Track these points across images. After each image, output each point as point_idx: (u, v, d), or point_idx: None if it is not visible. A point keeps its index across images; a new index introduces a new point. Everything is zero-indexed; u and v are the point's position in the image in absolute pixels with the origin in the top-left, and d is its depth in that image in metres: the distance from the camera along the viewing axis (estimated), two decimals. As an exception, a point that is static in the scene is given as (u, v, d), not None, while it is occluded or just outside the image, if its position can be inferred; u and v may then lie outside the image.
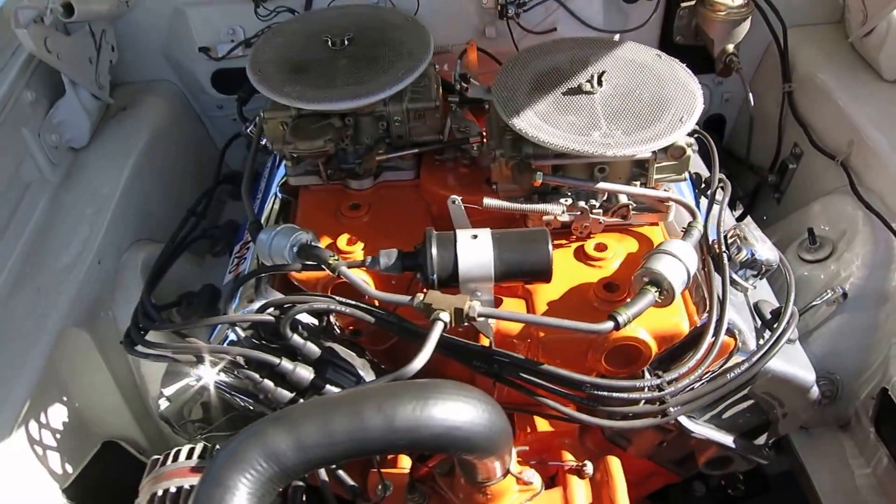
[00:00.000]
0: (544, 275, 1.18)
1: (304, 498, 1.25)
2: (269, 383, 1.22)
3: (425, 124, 1.48)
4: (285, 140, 1.42)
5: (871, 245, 1.63)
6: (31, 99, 1.79)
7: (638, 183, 1.32)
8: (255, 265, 1.49)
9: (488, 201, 1.27)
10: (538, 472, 1.27)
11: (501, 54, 1.96)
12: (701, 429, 1.34)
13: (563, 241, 1.34)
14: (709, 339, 1.18)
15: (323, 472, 1.28)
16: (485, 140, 1.46)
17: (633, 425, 1.18)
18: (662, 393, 1.17)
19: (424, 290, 1.14)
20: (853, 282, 1.63)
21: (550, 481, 1.36)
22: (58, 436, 1.47)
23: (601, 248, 1.32)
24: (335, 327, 1.40)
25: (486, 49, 1.78)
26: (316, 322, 1.35)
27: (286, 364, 1.21)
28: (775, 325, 1.27)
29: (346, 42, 1.48)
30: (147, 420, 1.71)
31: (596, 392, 1.15)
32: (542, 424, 1.41)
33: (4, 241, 1.63)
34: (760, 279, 1.37)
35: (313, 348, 1.24)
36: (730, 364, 1.24)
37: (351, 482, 1.32)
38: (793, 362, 1.32)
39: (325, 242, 1.36)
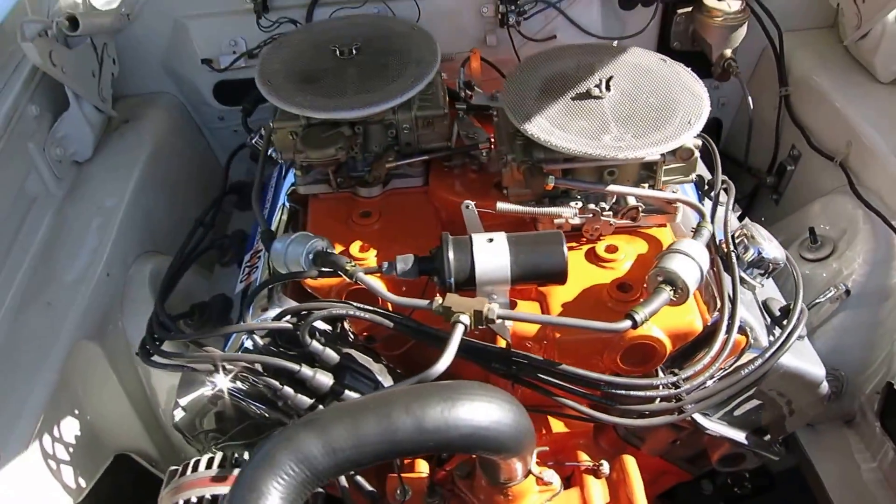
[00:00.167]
0: (560, 276, 1.19)
1: (324, 505, 1.25)
2: (289, 390, 1.22)
3: (434, 131, 1.49)
4: (296, 149, 1.43)
5: (872, 243, 1.66)
6: (36, 113, 1.79)
7: (646, 185, 1.34)
8: (266, 274, 1.50)
9: (501, 205, 1.28)
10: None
11: (501, 62, 1.99)
12: (715, 426, 1.36)
13: (574, 244, 1.36)
14: (722, 336, 1.20)
15: (342, 478, 1.28)
16: (493, 146, 1.48)
17: (651, 423, 1.19)
18: (679, 390, 1.18)
19: (440, 294, 1.16)
20: (855, 279, 1.67)
21: (566, 482, 1.37)
22: (70, 450, 1.46)
23: (612, 249, 1.34)
24: (349, 333, 1.42)
25: (486, 57, 1.80)
26: (330, 328, 1.36)
27: (306, 370, 1.22)
28: (786, 322, 1.29)
29: (354, 51, 1.50)
30: (158, 432, 1.70)
31: (614, 391, 1.16)
32: (557, 425, 1.43)
33: (12, 255, 1.63)
34: (767, 277, 1.40)
35: (332, 354, 1.24)
36: (743, 361, 1.26)
37: (370, 488, 1.33)
38: (803, 358, 1.34)
39: (337, 250, 1.36)
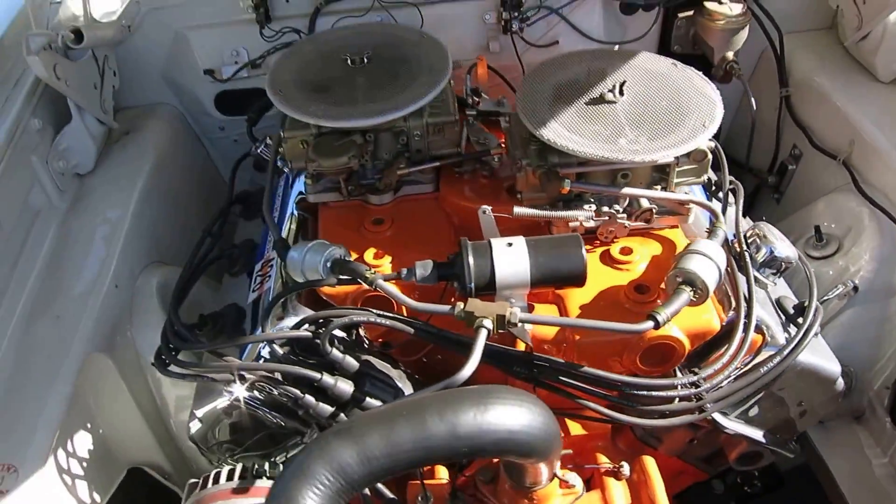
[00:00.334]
0: (579, 279, 1.20)
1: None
2: (311, 399, 1.22)
3: (444, 138, 1.50)
4: (308, 158, 1.43)
5: (878, 239, 1.69)
6: (38, 126, 1.78)
7: (658, 187, 1.36)
8: (280, 283, 1.49)
9: (518, 210, 1.29)
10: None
11: (504, 68, 2.00)
12: (733, 424, 1.37)
13: (588, 247, 1.37)
14: (740, 334, 1.21)
15: (364, 487, 1.28)
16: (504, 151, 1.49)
17: (672, 422, 1.20)
18: (699, 389, 1.19)
19: (456, 300, 1.16)
20: (863, 276, 1.69)
21: (585, 484, 1.37)
22: (85, 464, 1.45)
23: (626, 251, 1.35)
24: (364, 340, 1.41)
25: (489, 64, 1.81)
26: (344, 336, 1.36)
27: (328, 379, 1.21)
28: (801, 319, 1.31)
29: (365, 60, 1.50)
30: (169, 444, 1.69)
31: (636, 392, 1.17)
32: (575, 428, 1.43)
33: (19, 269, 1.61)
34: (779, 276, 1.41)
35: (352, 362, 1.24)
36: (760, 359, 1.27)
37: (391, 495, 1.33)
38: (819, 354, 1.36)
39: (351, 257, 1.36)
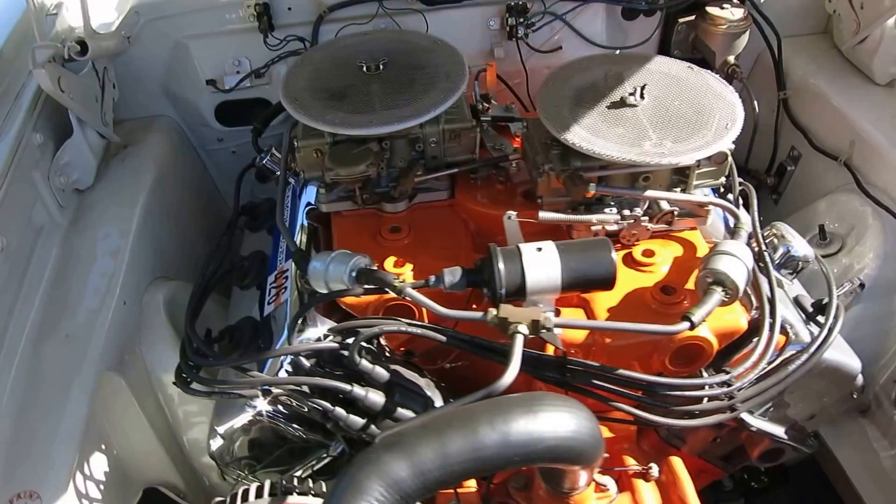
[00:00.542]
0: (608, 283, 1.20)
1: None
2: (341, 411, 1.20)
3: (460, 144, 1.50)
4: (325, 167, 1.42)
5: (882, 237, 1.72)
6: (40, 141, 1.73)
7: (678, 189, 1.37)
8: (295, 294, 1.48)
9: (543, 214, 1.29)
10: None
11: (508, 74, 2.01)
12: (758, 422, 1.39)
13: (610, 250, 1.38)
14: (766, 333, 1.23)
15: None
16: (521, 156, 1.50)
17: (705, 422, 1.21)
18: (730, 388, 1.20)
19: (479, 307, 1.15)
20: (867, 273, 1.72)
21: (613, 487, 1.38)
22: (102, 487, 1.41)
23: (649, 254, 1.36)
24: (385, 349, 1.40)
25: (493, 70, 1.82)
26: (367, 345, 1.35)
27: (358, 390, 1.20)
28: (822, 316, 1.33)
29: (381, 66, 1.49)
30: (183, 463, 1.65)
31: (670, 393, 1.17)
32: (603, 431, 1.43)
33: (25, 289, 1.56)
34: (796, 275, 1.44)
35: (382, 372, 1.23)
36: (786, 357, 1.29)
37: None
38: (840, 351, 1.38)
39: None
